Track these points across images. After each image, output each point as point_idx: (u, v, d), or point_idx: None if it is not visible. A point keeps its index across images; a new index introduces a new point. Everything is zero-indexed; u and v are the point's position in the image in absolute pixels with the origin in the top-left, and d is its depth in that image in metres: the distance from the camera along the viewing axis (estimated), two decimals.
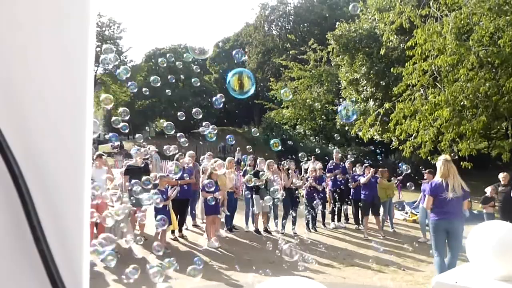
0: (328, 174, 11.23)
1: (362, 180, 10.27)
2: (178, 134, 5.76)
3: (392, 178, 11.03)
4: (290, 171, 10.19)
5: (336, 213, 11.17)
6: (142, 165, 8.77)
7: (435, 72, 13.32)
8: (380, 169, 10.74)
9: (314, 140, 25.82)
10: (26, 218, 0.60)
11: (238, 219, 10.25)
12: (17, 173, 0.59)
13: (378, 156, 13.29)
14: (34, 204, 0.60)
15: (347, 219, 11.54)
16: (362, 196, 10.25)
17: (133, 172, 8.22)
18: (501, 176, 9.86)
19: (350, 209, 11.52)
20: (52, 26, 0.66)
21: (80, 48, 0.69)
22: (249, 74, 2.54)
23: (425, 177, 9.98)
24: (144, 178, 4.19)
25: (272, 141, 4.73)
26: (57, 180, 0.66)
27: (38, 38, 0.65)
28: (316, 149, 9.41)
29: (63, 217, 0.66)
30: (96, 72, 39.69)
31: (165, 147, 5.50)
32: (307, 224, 10.38)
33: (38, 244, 0.60)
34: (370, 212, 10.17)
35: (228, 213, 9.58)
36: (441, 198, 5.92)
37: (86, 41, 0.69)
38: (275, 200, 10.03)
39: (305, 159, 9.54)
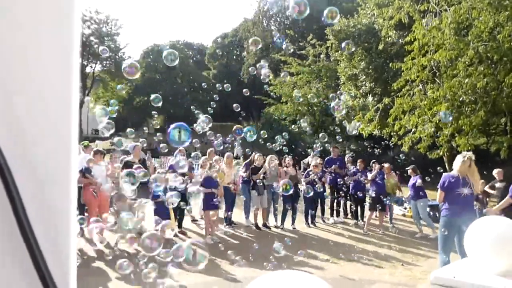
0: (325, 170, 11.25)
1: (369, 176, 10.30)
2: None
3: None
4: (289, 167, 10.20)
5: (335, 208, 11.20)
6: (140, 161, 8.76)
7: (434, 68, 13.31)
8: (385, 165, 10.77)
9: (315, 136, 25.78)
10: (12, 211, 0.60)
11: (237, 214, 10.27)
12: (3, 165, 0.58)
13: (375, 151, 13.28)
14: (20, 196, 0.60)
15: (345, 214, 11.56)
16: (369, 192, 10.26)
17: (130, 168, 8.22)
18: (495, 172, 9.92)
19: (348, 204, 11.55)
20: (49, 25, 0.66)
21: (66, 44, 0.68)
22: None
23: (409, 173, 10.05)
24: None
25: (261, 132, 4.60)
26: (44, 171, 0.66)
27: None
28: (316, 145, 9.37)
29: (51, 207, 0.66)
30: (94, 69, 39.63)
31: (162, 145, 5.48)
32: (306, 218, 10.41)
33: (24, 235, 0.60)
34: (377, 208, 10.12)
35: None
36: (455, 194, 5.77)
37: (72, 37, 0.69)
38: (274, 195, 10.07)
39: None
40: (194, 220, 10.27)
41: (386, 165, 10.76)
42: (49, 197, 0.66)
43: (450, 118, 11.23)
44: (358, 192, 10.54)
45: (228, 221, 9.81)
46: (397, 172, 11.34)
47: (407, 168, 10.19)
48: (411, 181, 9.91)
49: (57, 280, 0.63)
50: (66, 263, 0.68)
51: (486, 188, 10.12)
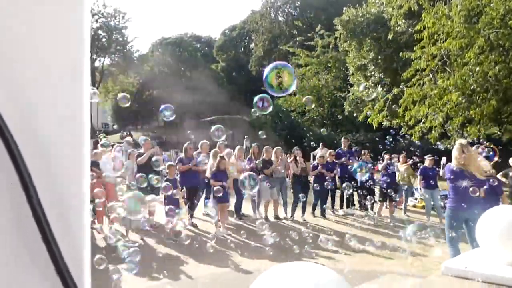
0: (336, 161, 11.21)
1: (379, 166, 10.25)
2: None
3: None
4: (298, 158, 10.19)
5: (345, 199, 11.18)
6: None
7: (444, 56, 13.14)
8: (401, 155, 10.75)
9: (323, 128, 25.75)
10: (27, 201, 0.61)
11: (246, 207, 10.31)
12: (17, 155, 0.59)
13: (387, 141, 13.18)
14: (33, 184, 0.61)
15: (353, 205, 11.52)
16: (380, 182, 10.22)
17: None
18: (511, 160, 9.75)
19: (356, 196, 11.52)
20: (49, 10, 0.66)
21: (78, 31, 0.69)
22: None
23: (427, 164, 9.99)
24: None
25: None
26: (58, 161, 0.66)
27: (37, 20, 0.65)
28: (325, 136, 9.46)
29: (64, 198, 0.67)
30: (103, 63, 39.79)
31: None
32: (313, 210, 10.42)
33: (39, 224, 0.61)
34: (388, 198, 10.07)
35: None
36: (457, 186, 5.65)
37: (82, 23, 0.69)
38: (282, 187, 10.09)
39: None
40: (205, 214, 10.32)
41: (401, 155, 10.74)
42: (61, 187, 0.67)
43: None
44: (368, 182, 10.48)
45: (238, 213, 9.86)
46: (411, 159, 11.26)
47: (426, 157, 10.10)
48: (425, 171, 9.83)
49: (73, 272, 0.64)
50: (80, 254, 0.69)
51: (499, 176, 10.01)
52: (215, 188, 7.84)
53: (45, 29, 0.65)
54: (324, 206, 10.54)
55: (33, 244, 0.63)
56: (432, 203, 10.05)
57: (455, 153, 5.75)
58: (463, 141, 6.05)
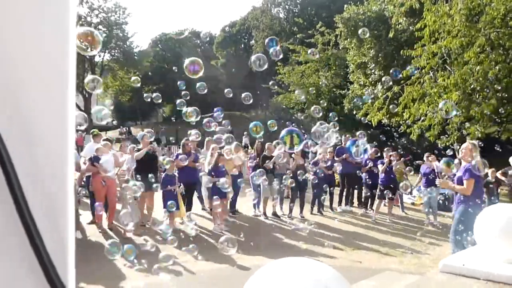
0: (336, 159, 11.20)
1: (380, 167, 10.21)
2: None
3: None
4: (293, 155, 10.21)
5: (344, 197, 11.18)
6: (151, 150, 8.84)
7: (444, 55, 13.13)
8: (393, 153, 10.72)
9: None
10: (12, 197, 0.61)
11: (240, 203, 10.34)
12: (3, 152, 0.59)
13: (384, 139, 13.16)
14: (19, 180, 0.61)
15: (352, 203, 11.52)
16: (379, 181, 10.21)
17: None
18: (511, 159, 9.78)
19: (356, 193, 11.54)
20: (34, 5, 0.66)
21: (63, 33, 0.69)
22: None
23: (426, 160, 9.97)
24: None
25: (269, 122, 4.49)
26: (43, 159, 0.66)
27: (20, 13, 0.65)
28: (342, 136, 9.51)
29: (49, 194, 0.67)
30: (103, 58, 39.67)
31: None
32: (312, 207, 10.44)
33: (21, 215, 0.61)
34: (387, 196, 10.05)
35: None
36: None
37: (67, 27, 0.69)
38: (282, 184, 10.08)
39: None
40: (203, 209, 10.32)
41: (393, 152, 10.69)
42: (46, 183, 0.67)
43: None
44: (368, 180, 10.48)
45: (232, 209, 9.89)
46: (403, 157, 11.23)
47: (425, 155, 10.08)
48: (425, 169, 9.82)
49: (57, 266, 0.64)
50: (65, 248, 0.69)
51: (498, 174, 10.04)
52: (218, 182, 7.81)
53: (31, 30, 0.65)
54: (323, 203, 10.56)
55: (18, 239, 0.62)
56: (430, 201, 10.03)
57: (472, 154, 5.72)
58: (465, 144, 6.00)
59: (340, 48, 23.66)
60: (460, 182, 5.67)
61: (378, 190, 10.41)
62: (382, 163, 10.25)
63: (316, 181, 9.68)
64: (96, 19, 37.48)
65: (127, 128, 36.32)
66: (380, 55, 19.43)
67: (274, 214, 9.99)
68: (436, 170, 9.27)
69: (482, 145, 6.64)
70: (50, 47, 0.67)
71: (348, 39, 20.80)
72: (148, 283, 5.59)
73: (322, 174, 10.04)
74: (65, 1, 0.69)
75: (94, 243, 7.35)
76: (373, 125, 16.10)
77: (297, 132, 3.15)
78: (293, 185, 9.53)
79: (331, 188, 10.72)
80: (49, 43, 0.67)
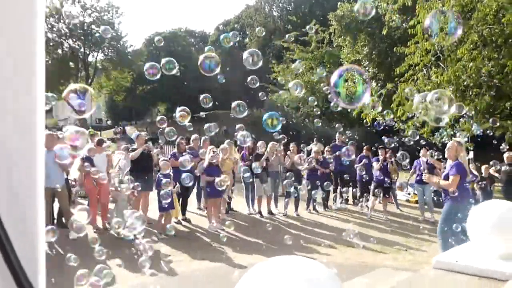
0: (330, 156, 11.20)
1: (375, 165, 10.22)
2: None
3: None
4: (289, 153, 10.22)
5: (338, 194, 11.20)
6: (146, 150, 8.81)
7: (438, 52, 13.17)
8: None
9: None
10: None
11: (235, 202, 10.33)
12: None
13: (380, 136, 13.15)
14: None
15: (347, 200, 11.54)
16: (374, 178, 10.22)
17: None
18: (506, 155, 9.82)
19: (351, 191, 11.56)
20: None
21: (30, 35, 0.67)
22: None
23: (421, 155, 9.98)
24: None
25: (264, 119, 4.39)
26: (14, 165, 0.65)
27: None
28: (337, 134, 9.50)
29: (19, 200, 0.66)
30: (96, 58, 39.48)
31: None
32: (308, 205, 10.45)
33: None
34: (382, 194, 10.05)
35: (234, 197, 9.70)
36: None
37: (35, 28, 0.68)
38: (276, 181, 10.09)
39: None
40: (199, 208, 10.30)
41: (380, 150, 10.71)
42: (16, 191, 0.65)
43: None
44: (363, 176, 10.49)
45: (228, 208, 9.89)
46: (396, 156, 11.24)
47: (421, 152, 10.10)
48: (419, 164, 9.83)
49: (27, 270, 0.63)
50: (35, 253, 0.68)
51: (492, 171, 10.08)
52: (215, 181, 7.79)
53: None
54: (318, 200, 10.57)
55: None
56: (424, 197, 10.05)
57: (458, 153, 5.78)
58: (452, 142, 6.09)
59: (334, 45, 23.71)
60: (446, 179, 5.73)
61: (372, 187, 10.44)
62: (377, 161, 10.27)
63: (311, 179, 9.70)
64: (89, 18, 37.28)
65: (121, 128, 36.21)
66: (374, 52, 19.50)
67: (270, 212, 9.99)
68: (422, 166, 9.33)
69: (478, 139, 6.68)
70: (16, 47, 0.66)
71: (342, 37, 20.84)
72: (142, 282, 5.55)
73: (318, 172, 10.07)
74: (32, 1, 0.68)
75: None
76: (368, 123, 16.11)
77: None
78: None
79: (327, 185, 10.73)
80: (15, 43, 0.65)
